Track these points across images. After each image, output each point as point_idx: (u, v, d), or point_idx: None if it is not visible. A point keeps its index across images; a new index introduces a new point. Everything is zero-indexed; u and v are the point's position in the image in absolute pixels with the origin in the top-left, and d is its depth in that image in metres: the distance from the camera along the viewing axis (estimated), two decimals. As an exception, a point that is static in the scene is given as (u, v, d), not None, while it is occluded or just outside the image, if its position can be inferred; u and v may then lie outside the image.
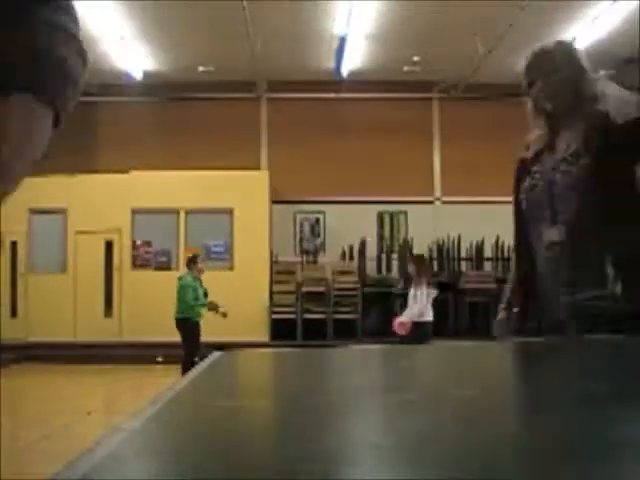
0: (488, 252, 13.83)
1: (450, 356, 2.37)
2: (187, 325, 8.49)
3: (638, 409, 1.08)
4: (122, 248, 12.97)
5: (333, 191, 13.68)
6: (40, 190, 12.86)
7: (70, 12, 1.08)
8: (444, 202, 14.16)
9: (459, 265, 13.81)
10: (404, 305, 13.60)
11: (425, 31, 11.50)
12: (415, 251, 13.84)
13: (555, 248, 2.41)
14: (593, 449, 0.89)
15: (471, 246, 13.82)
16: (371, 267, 13.78)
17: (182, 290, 8.60)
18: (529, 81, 2.54)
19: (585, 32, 11.31)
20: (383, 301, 13.54)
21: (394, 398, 1.31)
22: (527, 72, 2.54)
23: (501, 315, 2.65)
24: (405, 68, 13.23)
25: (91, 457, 0.84)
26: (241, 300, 12.00)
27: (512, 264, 2.60)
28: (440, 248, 13.83)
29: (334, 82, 13.70)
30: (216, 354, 2.10)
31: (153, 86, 13.77)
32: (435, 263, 13.90)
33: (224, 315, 8.73)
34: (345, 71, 13.26)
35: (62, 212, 12.98)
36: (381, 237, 14.18)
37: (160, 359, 11.30)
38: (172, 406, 1.24)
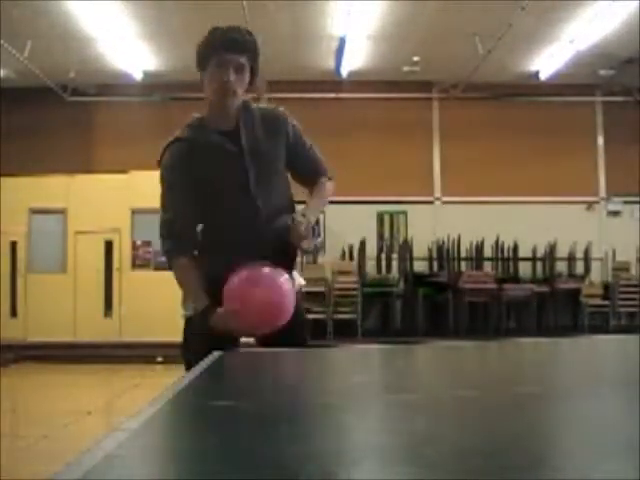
0: (488, 252, 13.82)
1: (450, 356, 2.37)
2: None
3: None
4: (122, 248, 12.96)
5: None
6: (40, 190, 12.86)
7: None
8: (444, 202, 14.15)
9: (459, 265, 13.80)
10: (404, 305, 13.62)
11: (425, 31, 11.49)
12: (415, 251, 13.85)
13: None
14: (593, 448, 0.89)
15: (471, 246, 13.81)
16: (371, 267, 13.77)
17: None
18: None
19: (585, 32, 11.30)
20: (383, 301, 13.54)
21: (394, 398, 1.31)
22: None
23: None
24: (405, 68, 13.22)
25: (91, 457, 0.84)
26: (241, 300, 11.94)
27: None
28: (440, 248, 13.82)
29: (334, 82, 13.69)
30: (216, 354, 2.09)
31: (153, 86, 13.76)
32: (435, 263, 13.89)
33: None
34: (345, 71, 13.25)
35: (62, 212, 12.97)
36: (381, 237, 14.17)
37: (160, 359, 11.30)
38: (172, 406, 1.23)
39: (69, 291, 12.79)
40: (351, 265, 13.48)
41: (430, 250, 13.89)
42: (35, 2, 9.95)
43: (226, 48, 2.66)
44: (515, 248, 13.78)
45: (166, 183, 2.79)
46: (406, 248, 13.81)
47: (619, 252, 13.66)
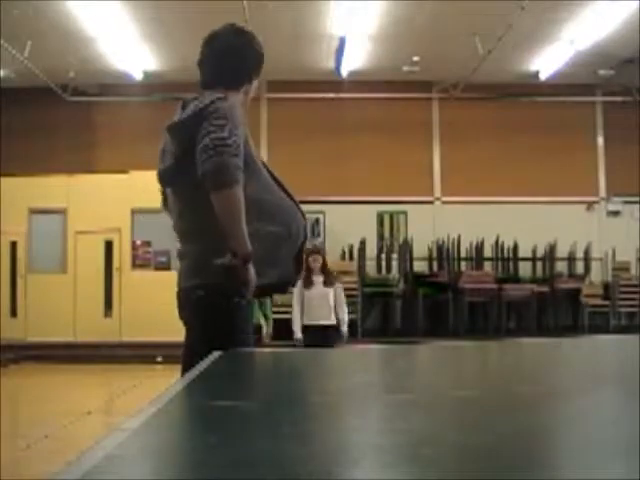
0: (488, 252, 13.82)
1: (450, 356, 2.38)
2: None
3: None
4: (122, 248, 12.96)
5: (333, 191, 13.67)
6: (40, 190, 12.86)
7: None
8: (444, 202, 14.15)
9: (459, 265, 13.80)
10: (404, 305, 13.62)
11: (425, 31, 11.49)
12: (415, 251, 13.84)
13: None
14: (595, 448, 0.89)
15: (471, 246, 13.81)
16: (371, 267, 13.77)
17: None
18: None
19: (585, 32, 11.30)
20: (383, 301, 13.54)
21: (394, 398, 1.31)
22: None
23: None
24: (405, 68, 13.22)
25: (91, 457, 0.84)
26: (241, 300, 11.98)
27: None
28: (440, 248, 13.82)
29: (334, 82, 13.69)
30: (216, 354, 2.09)
31: (153, 86, 13.76)
32: (435, 263, 13.90)
33: None
34: (345, 71, 13.25)
35: (62, 212, 12.97)
36: (381, 237, 14.17)
37: (160, 359, 11.30)
38: (172, 406, 1.24)
39: (69, 291, 12.79)
40: (351, 265, 13.47)
41: (430, 250, 13.88)
42: (35, 2, 9.95)
43: None
44: (515, 248, 13.78)
45: (237, 118, 2.51)
46: (406, 248, 13.81)
47: (619, 252, 13.66)
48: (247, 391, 1.52)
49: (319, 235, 14.02)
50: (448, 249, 13.79)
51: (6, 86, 13.10)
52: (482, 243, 13.73)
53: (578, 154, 14.11)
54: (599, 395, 1.30)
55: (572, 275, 13.81)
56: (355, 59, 12.74)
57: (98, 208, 12.61)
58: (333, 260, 13.65)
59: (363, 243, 13.62)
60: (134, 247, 13.02)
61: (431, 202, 14.19)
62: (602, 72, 13.22)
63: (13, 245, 13.14)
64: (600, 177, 14.30)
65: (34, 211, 13.04)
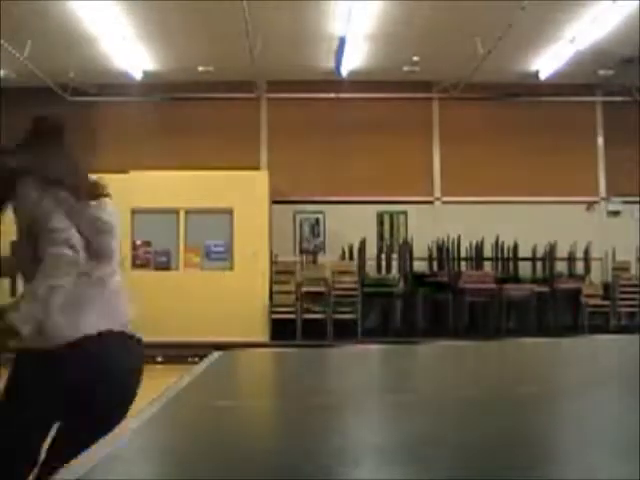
0: (488, 252, 13.82)
1: (450, 356, 2.38)
2: None
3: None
4: (122, 248, 12.93)
5: (333, 191, 13.67)
6: (40, 190, 12.85)
7: None
8: (444, 202, 14.15)
9: (459, 265, 13.80)
10: (404, 305, 13.63)
11: (425, 31, 11.49)
12: (415, 251, 13.83)
13: None
14: (591, 448, 0.89)
15: (471, 246, 13.81)
16: (371, 267, 13.77)
17: None
18: None
19: (585, 32, 11.30)
20: (383, 301, 13.53)
21: (394, 398, 1.31)
22: None
23: None
24: (405, 68, 13.22)
25: (91, 457, 0.84)
26: (241, 300, 11.97)
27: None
28: (440, 248, 13.82)
29: (334, 82, 13.68)
30: (216, 354, 2.09)
31: (153, 86, 13.76)
32: (435, 263, 13.89)
33: None
34: (345, 71, 13.24)
35: (62, 212, 12.95)
36: (381, 237, 14.17)
37: (160, 359, 11.30)
38: (172, 406, 1.24)
39: (69, 291, 12.76)
40: (351, 265, 13.47)
41: (430, 250, 13.88)
42: (35, 2, 9.95)
43: None
44: (515, 248, 13.78)
45: None
46: (406, 248, 13.81)
47: (619, 252, 13.66)
48: (247, 391, 1.52)
49: (319, 235, 14.03)
50: (448, 249, 13.78)
51: (6, 86, 13.10)
52: (482, 243, 13.73)
53: (578, 154, 14.10)
54: (599, 395, 1.30)
55: (572, 275, 13.80)
56: (355, 59, 12.73)
57: (98, 208, 12.59)
58: (333, 260, 13.67)
59: (363, 243, 13.62)
60: (134, 247, 13.00)
61: (431, 202, 14.19)
62: (602, 72, 13.21)
63: (13, 245, 13.12)
64: (600, 177, 14.30)
65: (34, 211, 13.03)
